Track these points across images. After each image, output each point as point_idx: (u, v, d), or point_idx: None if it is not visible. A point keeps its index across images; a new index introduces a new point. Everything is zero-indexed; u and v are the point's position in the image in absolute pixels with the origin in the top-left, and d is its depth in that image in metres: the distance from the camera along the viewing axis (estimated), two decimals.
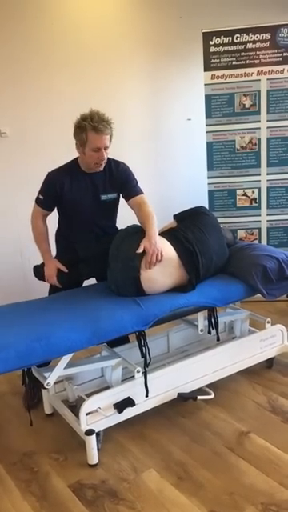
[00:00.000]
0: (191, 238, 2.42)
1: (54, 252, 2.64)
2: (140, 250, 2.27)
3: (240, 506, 1.88)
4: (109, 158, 2.51)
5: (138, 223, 2.50)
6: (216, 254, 2.49)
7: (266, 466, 2.08)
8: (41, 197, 2.53)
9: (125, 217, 2.65)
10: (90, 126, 2.32)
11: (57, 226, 2.68)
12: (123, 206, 2.64)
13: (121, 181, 2.55)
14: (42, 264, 2.57)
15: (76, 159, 2.52)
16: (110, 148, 2.45)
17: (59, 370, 2.14)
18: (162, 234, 2.47)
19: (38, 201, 2.55)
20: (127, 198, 2.57)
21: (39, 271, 2.57)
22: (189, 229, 2.48)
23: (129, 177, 2.58)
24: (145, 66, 3.99)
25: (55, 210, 2.59)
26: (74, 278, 2.52)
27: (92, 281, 2.66)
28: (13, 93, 3.41)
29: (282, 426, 2.35)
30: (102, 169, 2.47)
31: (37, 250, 2.59)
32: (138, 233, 2.38)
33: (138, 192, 2.57)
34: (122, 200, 2.62)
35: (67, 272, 2.48)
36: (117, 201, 2.61)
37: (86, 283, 2.67)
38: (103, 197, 2.53)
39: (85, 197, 2.50)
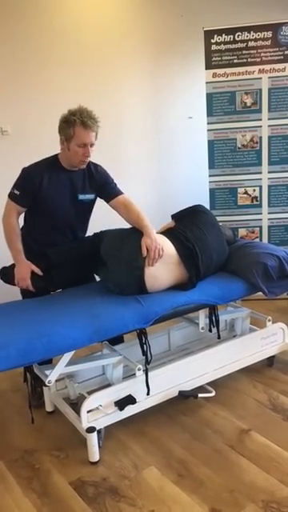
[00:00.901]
0: (190, 236, 2.42)
1: None
2: (144, 251, 2.27)
3: (240, 503, 1.88)
4: None
5: (121, 225, 2.48)
6: (216, 252, 2.50)
7: (267, 463, 2.09)
8: (16, 192, 2.39)
9: (102, 220, 2.61)
10: (79, 121, 2.28)
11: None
12: (98, 208, 2.61)
13: (100, 182, 2.51)
14: (12, 265, 2.40)
15: (56, 155, 2.46)
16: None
17: (60, 367, 2.14)
18: (161, 233, 2.47)
19: (12, 196, 2.41)
20: (109, 199, 2.52)
21: (7, 273, 2.39)
22: (187, 228, 2.48)
23: (108, 178, 2.54)
24: (146, 65, 3.99)
25: None
26: (48, 282, 2.41)
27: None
28: (14, 91, 3.41)
29: (283, 423, 2.36)
30: (85, 166, 2.43)
31: None
32: (135, 232, 2.38)
33: (120, 192, 2.54)
34: (97, 203, 2.58)
35: (41, 276, 2.36)
36: (93, 203, 2.57)
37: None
38: (80, 196, 2.48)
39: (62, 194, 2.43)
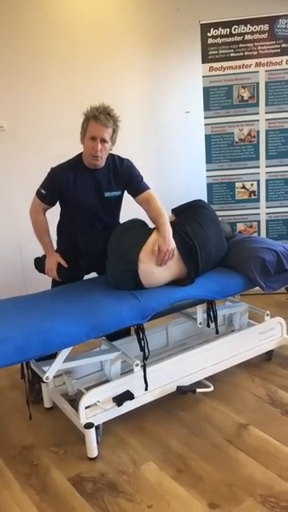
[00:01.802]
0: (190, 231, 2.42)
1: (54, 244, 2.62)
2: (155, 251, 2.28)
3: (239, 497, 1.88)
4: (113, 155, 2.50)
5: (142, 219, 2.49)
6: (215, 248, 2.49)
7: (265, 458, 2.09)
8: (43, 191, 2.47)
9: (130, 213, 2.61)
10: (92, 115, 2.33)
11: (57, 218, 2.64)
12: (127, 202, 2.62)
13: (126, 178, 2.52)
14: (44, 256, 2.55)
15: (80, 154, 2.49)
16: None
17: (58, 363, 2.14)
18: None
19: (39, 195, 2.49)
20: (134, 195, 2.53)
21: (40, 263, 2.56)
22: (187, 223, 2.48)
23: (133, 173, 2.54)
24: (142, 59, 3.96)
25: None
26: (75, 272, 2.52)
27: (92, 274, 2.66)
28: (10, 86, 3.39)
29: (281, 418, 2.36)
30: (99, 165, 2.43)
31: (35, 244, 2.57)
32: (136, 227, 2.38)
33: (145, 188, 2.53)
34: (125, 196, 2.59)
35: (68, 267, 2.48)
36: (120, 198, 2.58)
37: (85, 277, 2.66)
38: (107, 194, 2.50)
39: (88, 194, 2.47)
